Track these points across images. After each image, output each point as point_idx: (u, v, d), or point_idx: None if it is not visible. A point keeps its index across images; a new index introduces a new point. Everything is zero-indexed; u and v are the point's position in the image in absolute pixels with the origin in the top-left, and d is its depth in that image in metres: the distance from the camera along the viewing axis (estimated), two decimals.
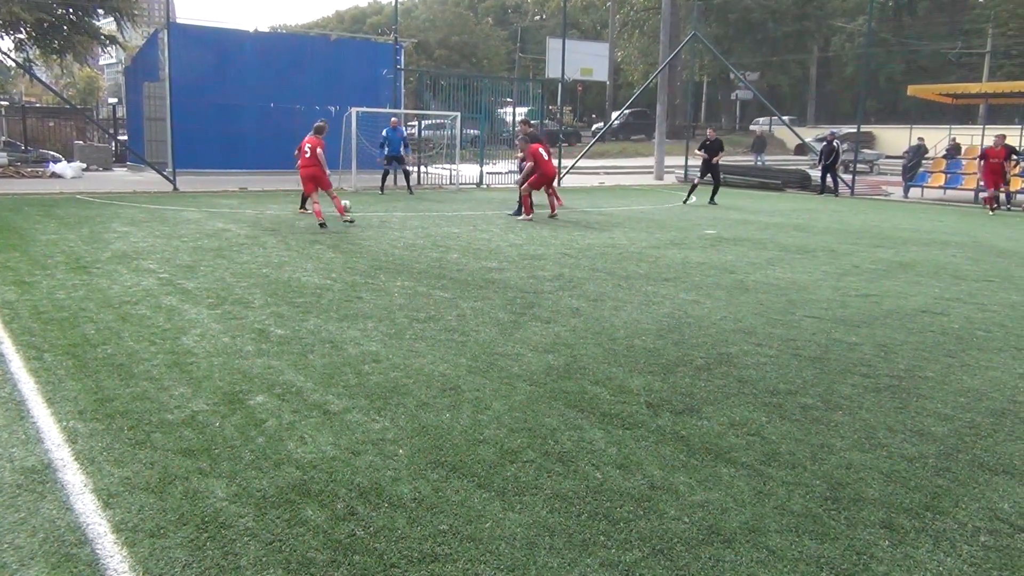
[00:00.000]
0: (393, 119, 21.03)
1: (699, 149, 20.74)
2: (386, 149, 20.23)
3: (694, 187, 20.85)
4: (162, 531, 3.24)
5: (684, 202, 19.87)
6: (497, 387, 5.14)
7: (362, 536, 3.24)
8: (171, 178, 20.00)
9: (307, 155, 13.05)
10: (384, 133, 20.33)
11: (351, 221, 13.60)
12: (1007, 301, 8.45)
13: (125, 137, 31.16)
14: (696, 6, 32.92)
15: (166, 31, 21.67)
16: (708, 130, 22.01)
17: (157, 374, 5.23)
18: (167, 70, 21.43)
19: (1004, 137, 19.72)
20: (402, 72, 26.50)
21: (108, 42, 31.73)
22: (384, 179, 20.73)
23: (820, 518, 3.51)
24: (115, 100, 43.06)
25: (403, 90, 27.25)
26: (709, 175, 20.12)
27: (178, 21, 24.76)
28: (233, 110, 22.96)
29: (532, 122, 17.91)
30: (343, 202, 13.69)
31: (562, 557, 3.13)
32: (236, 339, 6.10)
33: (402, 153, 20.54)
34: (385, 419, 4.52)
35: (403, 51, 27.04)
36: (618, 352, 6.03)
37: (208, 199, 17.74)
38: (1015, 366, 5.97)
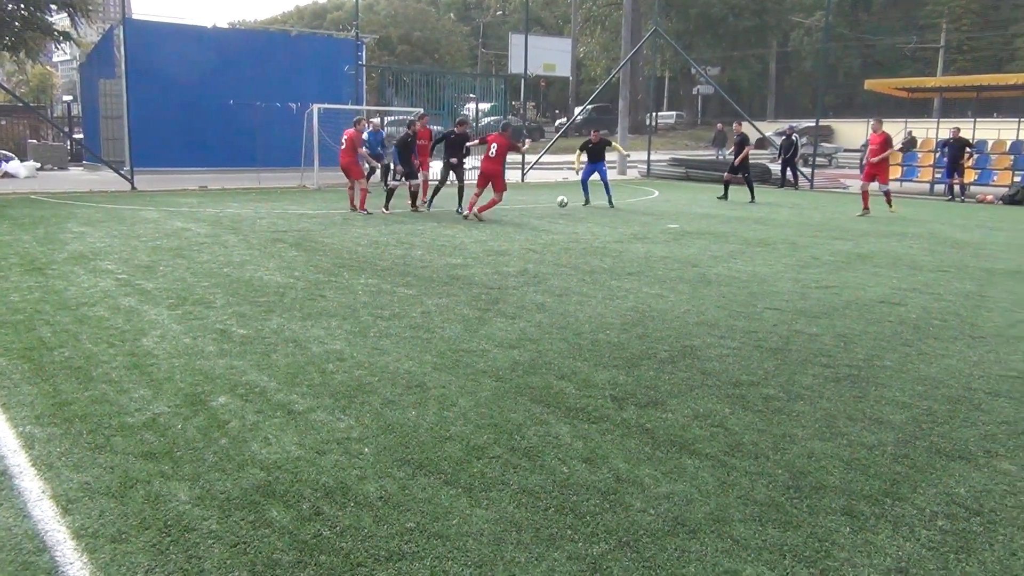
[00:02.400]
0: (374, 121, 20.91)
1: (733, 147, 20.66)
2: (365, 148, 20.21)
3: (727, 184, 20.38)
4: (123, 536, 3.19)
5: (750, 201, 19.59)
6: (463, 383, 5.13)
7: (328, 536, 3.22)
8: (129, 177, 19.66)
9: (343, 146, 14.85)
10: (364, 136, 20.27)
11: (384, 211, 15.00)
12: (962, 291, 8.63)
13: (81, 135, 30.56)
14: (657, 1, 33.13)
15: (122, 27, 21.25)
16: (735, 125, 21.60)
17: (116, 376, 5.14)
18: (123, 67, 21.06)
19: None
20: (364, 68, 26.29)
21: (62, 38, 31.05)
22: (384, 176, 20.71)
23: (783, 507, 3.56)
24: (70, 98, 42.20)
25: (365, 86, 27.03)
26: (740, 174, 19.84)
27: (134, 17, 24.28)
28: (192, 107, 22.59)
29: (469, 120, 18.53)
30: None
31: (529, 552, 3.14)
32: (197, 340, 6.02)
33: (381, 152, 20.46)
34: (350, 418, 4.50)
35: (364, 47, 26.82)
36: (583, 347, 6.05)
37: (167, 198, 17.48)
38: (970, 354, 6.10)
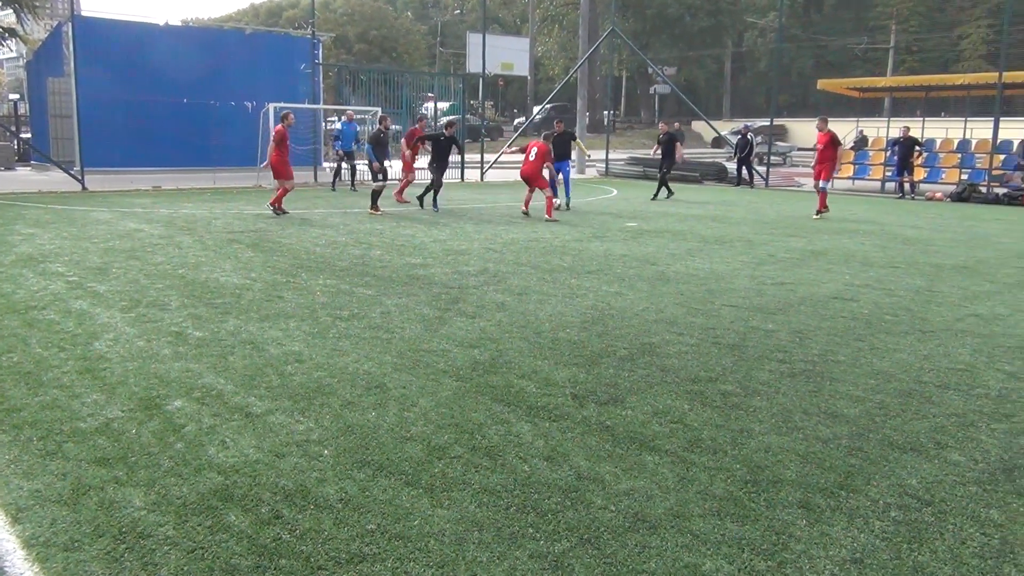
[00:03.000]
0: (349, 111, 20.78)
1: (657, 144, 20.46)
2: (340, 143, 20.22)
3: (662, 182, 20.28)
4: (76, 544, 3.12)
5: (666, 198, 19.66)
6: (423, 384, 5.11)
7: (288, 539, 3.19)
8: (79, 177, 19.23)
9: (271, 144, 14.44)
10: (339, 126, 20.22)
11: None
12: (912, 286, 8.83)
13: (28, 135, 29.81)
14: (614, 1, 33.34)
15: (70, 24, 20.78)
16: (660, 124, 21.82)
17: (68, 381, 5.03)
18: (72, 65, 20.57)
19: (827, 121, 16.12)
20: (320, 67, 26.04)
21: (7, 35, 30.26)
22: (337, 175, 20.64)
23: (741, 501, 3.61)
24: (17, 96, 41.12)
25: (322, 85, 26.78)
26: (662, 170, 19.96)
27: (83, 14, 23.70)
28: (144, 106, 22.15)
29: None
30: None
31: (491, 551, 3.14)
32: (152, 343, 5.92)
33: (353, 148, 20.38)
34: (309, 420, 4.46)
35: (321, 45, 26.56)
36: (543, 345, 6.07)
37: (119, 198, 17.13)
38: (920, 348, 6.25)
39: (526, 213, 15.46)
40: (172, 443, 4.10)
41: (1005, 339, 6.59)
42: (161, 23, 25.38)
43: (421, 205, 15.99)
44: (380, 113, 19.96)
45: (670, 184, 20.37)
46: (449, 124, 16.17)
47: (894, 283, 8.99)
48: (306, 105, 23.57)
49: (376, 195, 15.18)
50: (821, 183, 16.09)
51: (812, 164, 18.16)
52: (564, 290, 8.18)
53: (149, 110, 22.28)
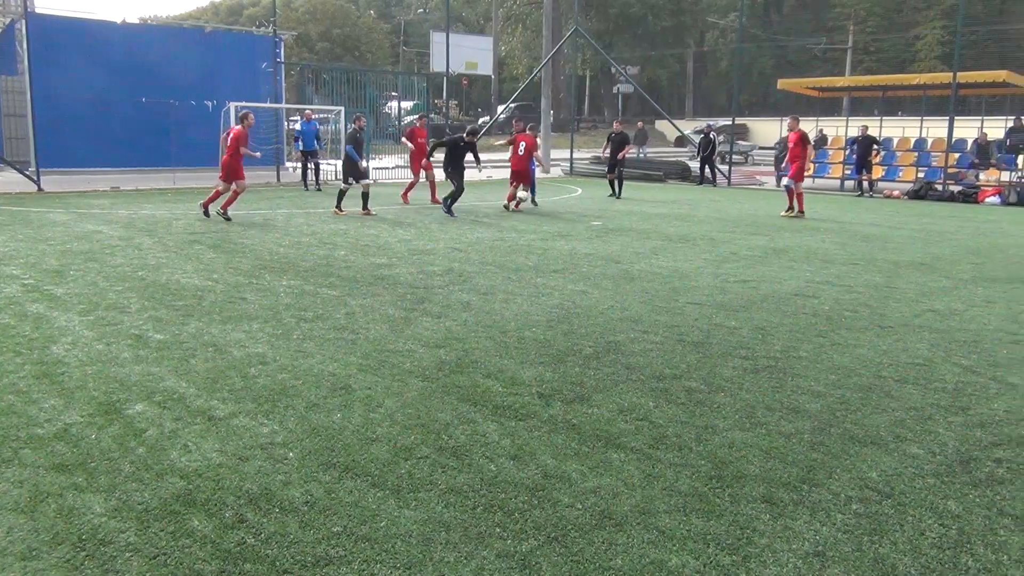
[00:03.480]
0: (307, 111, 20.62)
1: (607, 142, 20.25)
2: (300, 143, 20.08)
3: (612, 182, 20.15)
4: (34, 553, 3.06)
5: (611, 195, 19.69)
6: (389, 384, 5.09)
7: (252, 543, 3.15)
8: (34, 178, 18.80)
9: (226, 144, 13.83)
10: (298, 126, 20.07)
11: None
12: (871, 282, 8.99)
13: None
14: (577, 1, 33.45)
15: (24, 21, 20.31)
16: (614, 123, 21.73)
17: (24, 386, 4.92)
18: (26, 63, 20.12)
19: (798, 120, 16.29)
20: (282, 65, 25.77)
21: None
22: (305, 175, 20.52)
23: (706, 496, 3.64)
24: None
25: (284, 84, 26.51)
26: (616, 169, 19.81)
27: (37, 11, 23.19)
28: (101, 105, 21.73)
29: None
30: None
31: (458, 551, 3.13)
32: (111, 346, 5.82)
33: (316, 147, 20.24)
34: (274, 422, 4.41)
35: (283, 44, 26.30)
36: (509, 344, 6.08)
37: (77, 199, 16.79)
38: (879, 343, 6.36)
39: (507, 207, 16.08)
40: (133, 448, 4.03)
41: (961, 334, 6.73)
42: (119, 21, 24.94)
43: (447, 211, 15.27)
44: (423, 114, 19.96)
45: (616, 185, 20.09)
46: (472, 132, 16.24)
47: (854, 280, 9.14)
48: (268, 104, 23.32)
49: (342, 195, 15.01)
50: (785, 181, 16.16)
51: (777, 158, 18.27)
52: (530, 289, 8.19)
53: (107, 109, 21.89)
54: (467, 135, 15.94)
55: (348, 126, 18.53)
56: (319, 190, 20.19)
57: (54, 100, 20.50)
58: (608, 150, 20.33)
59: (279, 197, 18.44)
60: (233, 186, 13.63)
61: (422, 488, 3.66)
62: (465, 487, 3.68)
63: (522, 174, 16.09)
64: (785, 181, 16.15)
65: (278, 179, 22.79)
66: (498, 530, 3.30)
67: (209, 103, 22.94)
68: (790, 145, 16.44)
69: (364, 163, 15.14)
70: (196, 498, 3.51)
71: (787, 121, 16.62)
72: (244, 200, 17.10)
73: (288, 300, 7.46)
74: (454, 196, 15.17)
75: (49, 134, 19.62)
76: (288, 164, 24.71)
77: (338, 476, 3.77)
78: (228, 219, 13.38)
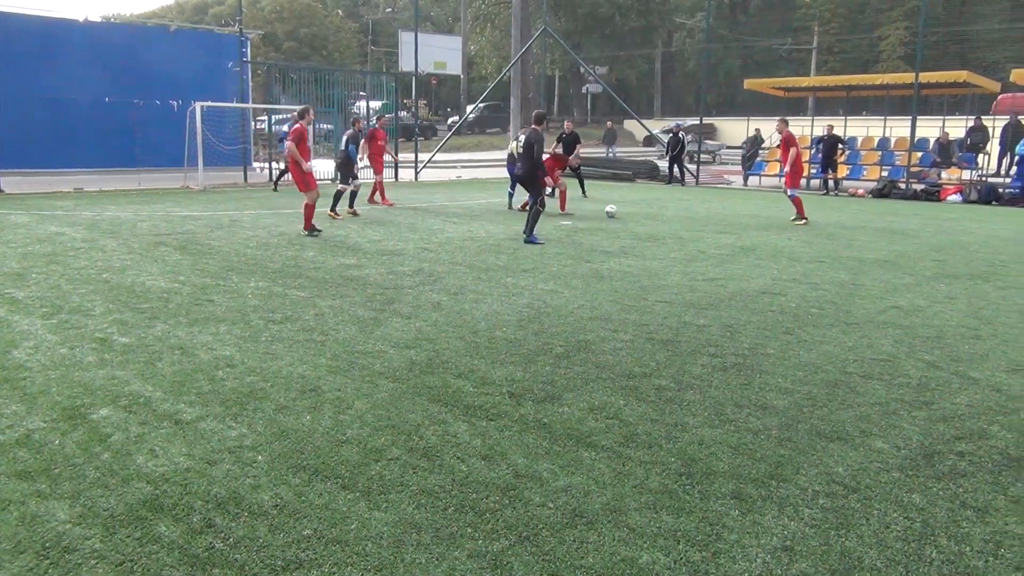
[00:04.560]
0: (293, 113, 20.45)
1: (557, 142, 20.38)
2: (285, 145, 19.93)
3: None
4: None
5: (550, 194, 19.69)
6: (359, 386, 5.06)
7: (221, 548, 3.12)
8: None
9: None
10: (285, 128, 19.99)
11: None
12: (836, 280, 9.11)
13: None
14: (545, 1, 33.51)
15: None
16: (565, 122, 21.57)
17: None
18: None
19: (786, 122, 15.50)
20: (249, 65, 25.53)
21: None
22: (281, 175, 20.32)
23: (676, 493, 3.67)
24: None
25: (251, 84, 26.26)
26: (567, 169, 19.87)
27: None
28: (63, 105, 21.36)
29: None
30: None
31: (430, 552, 3.13)
32: (75, 350, 5.72)
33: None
34: (242, 425, 4.37)
35: (249, 43, 26.05)
36: (480, 344, 6.07)
37: (38, 201, 16.50)
38: (845, 340, 6.45)
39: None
40: (98, 453, 3.97)
41: (924, 330, 6.85)
42: (81, 19, 24.53)
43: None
44: (381, 114, 19.79)
45: (553, 189, 19.90)
46: (567, 123, 15.92)
47: (820, 277, 9.26)
48: (235, 104, 23.08)
49: (339, 196, 14.78)
50: (789, 191, 15.13)
51: (744, 157, 17.65)
52: (500, 289, 8.19)
53: (69, 109, 21.52)
54: (566, 127, 15.23)
55: (346, 128, 18.38)
56: (275, 191, 20.00)
57: (14, 100, 20.13)
58: (559, 150, 19.82)
59: (247, 198, 18.26)
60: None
61: (393, 490, 3.65)
62: (436, 488, 3.67)
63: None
64: (789, 192, 15.16)
65: (245, 179, 22.58)
66: (469, 530, 3.30)
67: (174, 103, 22.66)
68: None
69: (356, 164, 15.13)
70: (163, 503, 3.47)
71: (777, 123, 15.62)
72: (210, 201, 16.94)
73: (256, 302, 7.39)
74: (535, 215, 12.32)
75: (9, 134, 19.26)
76: (255, 164, 24.48)
77: (308, 479, 3.74)
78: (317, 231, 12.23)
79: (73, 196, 17.78)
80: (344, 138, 15.26)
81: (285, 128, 20.69)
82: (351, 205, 14.92)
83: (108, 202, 16.45)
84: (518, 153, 12.88)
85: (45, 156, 21.22)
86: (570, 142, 19.29)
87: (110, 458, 3.92)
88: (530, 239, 11.75)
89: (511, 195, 16.88)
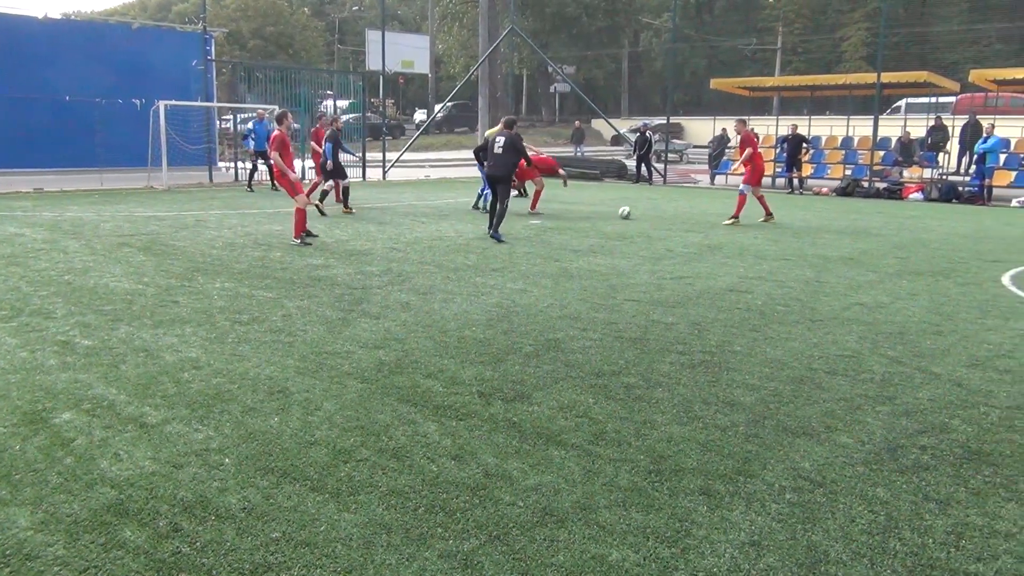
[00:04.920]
0: (260, 111, 20.23)
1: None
2: (252, 143, 19.75)
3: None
4: None
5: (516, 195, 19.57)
6: (327, 387, 5.03)
7: (188, 552, 3.08)
8: None
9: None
10: (250, 126, 19.76)
11: None
12: (802, 277, 9.23)
13: None
14: (513, 0, 33.51)
15: None
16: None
17: None
18: None
19: (744, 122, 15.56)
20: (213, 63, 25.22)
21: None
22: (252, 175, 20.07)
23: (645, 491, 3.69)
24: None
25: (215, 82, 25.94)
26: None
27: None
28: (22, 104, 20.92)
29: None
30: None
31: (400, 553, 3.12)
32: (36, 353, 5.61)
33: (267, 147, 19.88)
34: (209, 428, 4.32)
35: (213, 41, 25.72)
36: (449, 344, 6.06)
37: None
38: (810, 336, 6.53)
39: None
40: (60, 458, 3.90)
41: (887, 326, 6.96)
42: (40, 16, 24.06)
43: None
44: (334, 115, 19.68)
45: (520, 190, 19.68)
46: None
47: (785, 275, 9.37)
48: (199, 103, 22.79)
49: (324, 193, 15.32)
50: (741, 187, 15.18)
51: (710, 156, 17.52)
52: (469, 288, 8.18)
53: (28, 108, 21.07)
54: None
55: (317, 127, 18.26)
56: (251, 191, 19.78)
57: None
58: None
59: (212, 198, 18.04)
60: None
61: (362, 491, 3.63)
62: (406, 488, 3.66)
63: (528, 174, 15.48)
64: (741, 187, 15.13)
65: (211, 179, 22.31)
66: (440, 530, 3.29)
67: (137, 101, 22.31)
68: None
69: (332, 162, 15.13)
70: (128, 508, 3.42)
71: (735, 124, 15.56)
72: (175, 201, 16.72)
73: (222, 303, 7.30)
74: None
75: None
76: (220, 164, 24.19)
77: (276, 481, 3.71)
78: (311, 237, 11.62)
79: (33, 196, 17.44)
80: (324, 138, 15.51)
81: (250, 126, 20.47)
82: (345, 203, 15.30)
83: (69, 202, 16.16)
84: (496, 152, 12.82)
85: (3, 155, 20.78)
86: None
87: (73, 463, 3.85)
88: (496, 235, 11.89)
89: (481, 195, 16.13)
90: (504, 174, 12.12)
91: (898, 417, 4.73)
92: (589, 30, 56.75)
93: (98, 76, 22.19)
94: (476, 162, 15.56)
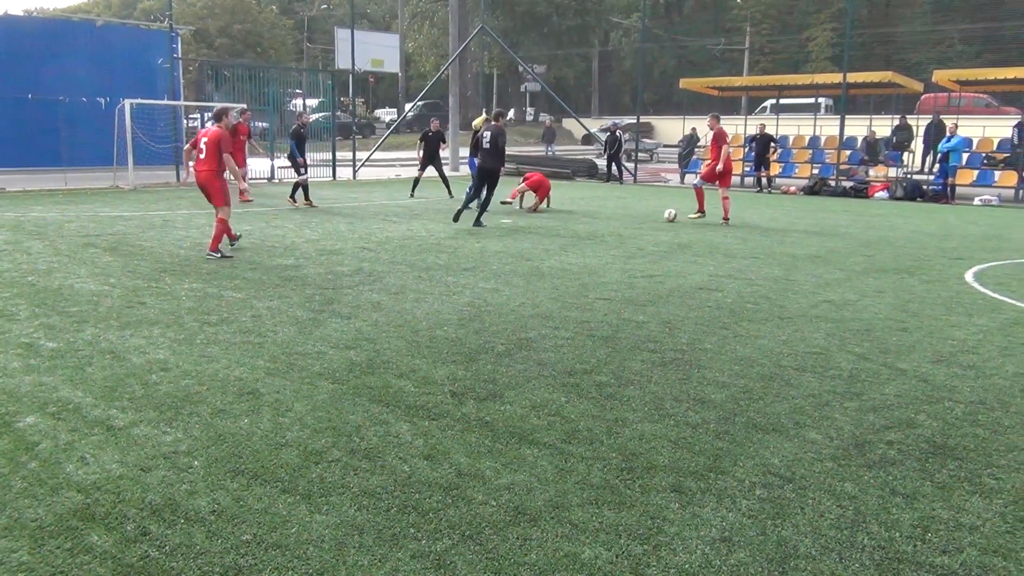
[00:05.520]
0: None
1: (420, 140, 18.77)
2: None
3: (417, 181, 19.39)
4: None
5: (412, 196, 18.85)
6: (298, 387, 4.99)
7: (156, 556, 3.04)
8: None
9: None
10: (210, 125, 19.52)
11: None
12: (771, 275, 9.32)
13: None
14: None
15: None
16: (432, 121, 20.02)
17: None
18: None
19: (717, 119, 15.11)
20: (180, 61, 24.92)
21: None
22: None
23: (617, 488, 3.71)
24: None
25: (182, 81, 25.64)
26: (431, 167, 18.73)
27: None
28: None
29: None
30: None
31: (372, 554, 3.10)
32: None
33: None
34: (177, 430, 4.27)
35: (179, 39, 25.44)
36: (421, 344, 6.04)
37: None
38: (779, 334, 6.60)
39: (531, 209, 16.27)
40: (25, 463, 3.83)
41: (854, 323, 7.06)
42: (0, 13, 23.62)
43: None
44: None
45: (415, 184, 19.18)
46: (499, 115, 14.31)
47: (754, 273, 9.46)
48: (165, 102, 22.51)
49: (305, 187, 15.95)
50: (696, 181, 15.33)
51: (680, 155, 17.56)
52: (441, 288, 8.16)
53: None
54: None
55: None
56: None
57: None
58: (422, 149, 18.64)
59: (179, 197, 17.81)
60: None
61: (334, 492, 3.61)
62: (378, 489, 3.64)
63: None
64: (695, 181, 15.27)
65: (178, 178, 22.03)
66: (412, 531, 3.28)
67: (102, 100, 21.99)
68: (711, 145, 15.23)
69: (301, 158, 15.84)
70: (95, 512, 3.37)
71: (708, 120, 15.30)
72: (141, 201, 16.49)
73: (190, 304, 7.22)
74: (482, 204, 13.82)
75: None
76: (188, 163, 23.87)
77: (246, 483, 3.67)
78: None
79: None
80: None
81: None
82: (306, 197, 15.98)
83: (32, 202, 15.88)
84: (485, 147, 13.15)
85: None
86: (435, 140, 18.70)
87: (38, 467, 3.79)
88: (478, 223, 13.14)
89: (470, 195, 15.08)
90: (494, 167, 13.12)
91: (865, 413, 4.80)
92: (559, 29, 56.86)
93: (62, 74, 21.84)
94: (469, 156, 16.11)
